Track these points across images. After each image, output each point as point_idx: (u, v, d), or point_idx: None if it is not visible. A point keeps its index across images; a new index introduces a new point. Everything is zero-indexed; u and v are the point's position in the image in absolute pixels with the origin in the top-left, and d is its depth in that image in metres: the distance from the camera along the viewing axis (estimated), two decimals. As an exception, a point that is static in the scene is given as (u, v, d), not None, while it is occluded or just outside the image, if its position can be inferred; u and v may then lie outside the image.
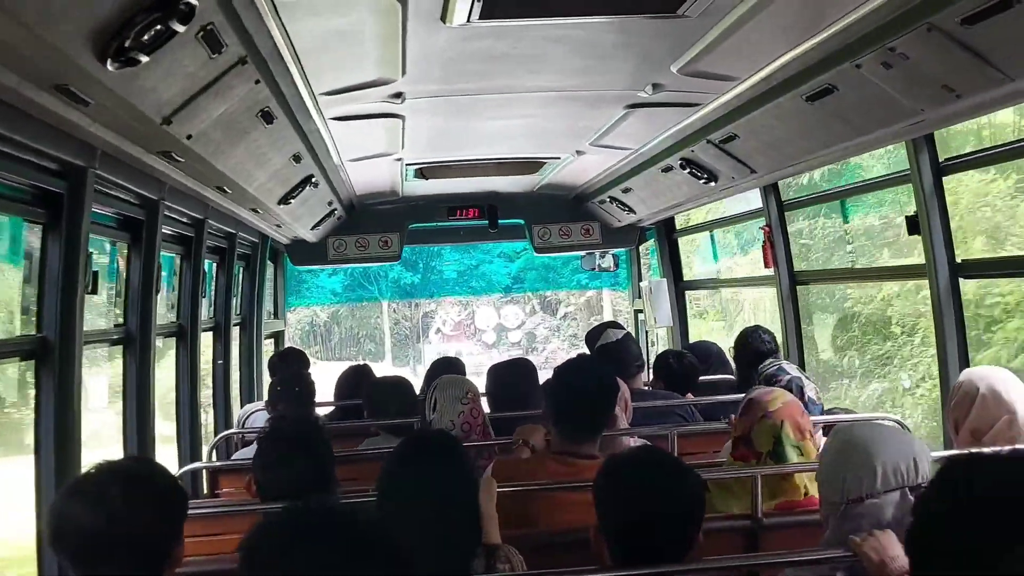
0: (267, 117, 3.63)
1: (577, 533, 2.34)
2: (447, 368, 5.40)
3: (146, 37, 2.21)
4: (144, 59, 2.31)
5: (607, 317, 21.72)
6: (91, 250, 3.64)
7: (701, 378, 5.35)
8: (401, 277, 18.65)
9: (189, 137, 3.19)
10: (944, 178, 4.31)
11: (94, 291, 3.79)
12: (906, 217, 4.47)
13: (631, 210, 7.43)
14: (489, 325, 23.57)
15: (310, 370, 6.22)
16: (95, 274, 3.77)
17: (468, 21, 3.13)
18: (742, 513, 3.14)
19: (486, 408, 4.56)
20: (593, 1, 3.14)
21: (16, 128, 2.85)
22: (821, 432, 4.16)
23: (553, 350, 21.71)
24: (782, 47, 3.44)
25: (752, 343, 5.15)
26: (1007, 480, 1.33)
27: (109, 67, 2.27)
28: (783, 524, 3.03)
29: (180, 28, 2.28)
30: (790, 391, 4.04)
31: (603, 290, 20.96)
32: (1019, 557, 1.25)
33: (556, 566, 2.42)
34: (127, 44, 2.20)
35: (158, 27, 2.21)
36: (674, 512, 2.20)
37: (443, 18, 3.10)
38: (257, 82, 3.21)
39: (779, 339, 5.97)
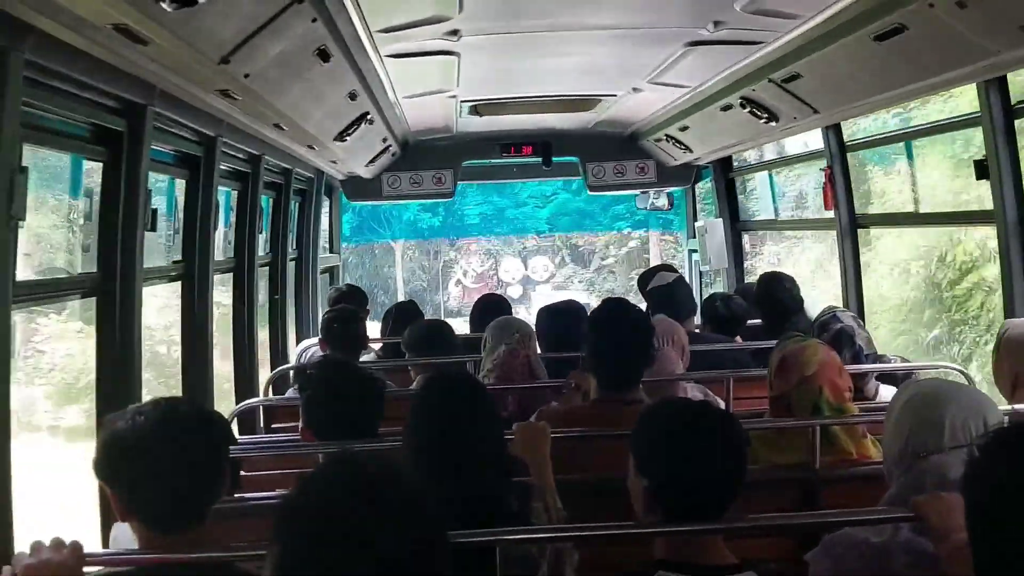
0: (324, 55, 3.61)
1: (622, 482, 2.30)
2: (495, 307, 5.46)
3: (203, -24, 2.19)
4: (202, -1, 2.29)
5: (653, 271, 20.39)
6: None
7: (750, 321, 5.26)
8: (419, 220, 17.28)
9: (247, 76, 3.18)
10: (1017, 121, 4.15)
11: (153, 228, 3.83)
12: (975, 161, 4.32)
13: (688, 148, 7.29)
14: (515, 277, 21.91)
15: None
16: (154, 211, 3.79)
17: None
18: (799, 463, 3.02)
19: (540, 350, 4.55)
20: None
21: (75, 67, 2.86)
22: (874, 379, 4.11)
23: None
24: (852, -17, 3.31)
25: (777, 296, 4.96)
26: None
27: (166, 6, 2.25)
28: (842, 477, 2.95)
29: (237, -33, 2.26)
30: (839, 341, 3.96)
31: (651, 234, 19.94)
32: None
33: (605, 512, 2.39)
34: (184, -17, 2.18)
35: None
36: (715, 473, 2.12)
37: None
38: (314, 20, 3.18)
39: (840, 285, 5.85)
